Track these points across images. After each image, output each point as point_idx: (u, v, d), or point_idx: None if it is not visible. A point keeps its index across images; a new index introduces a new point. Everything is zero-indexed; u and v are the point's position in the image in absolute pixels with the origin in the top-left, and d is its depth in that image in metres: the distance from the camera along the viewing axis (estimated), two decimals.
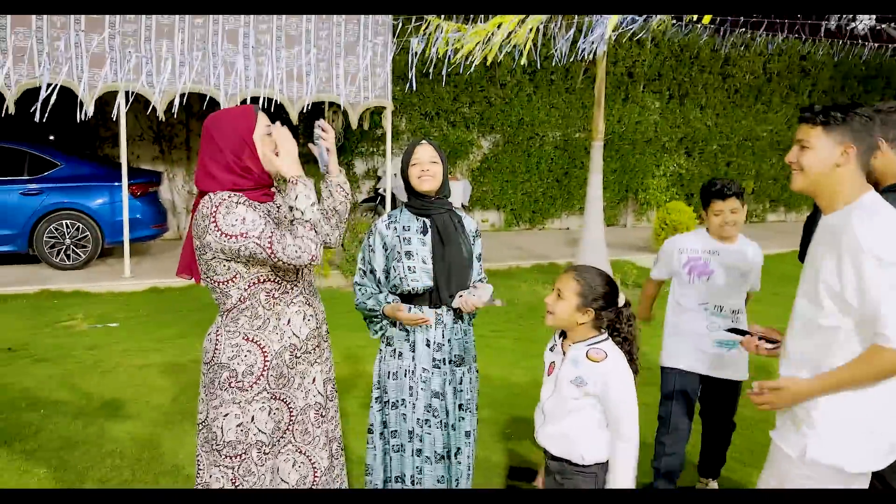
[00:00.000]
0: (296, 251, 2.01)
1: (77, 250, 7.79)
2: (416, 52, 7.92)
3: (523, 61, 7.51)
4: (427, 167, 2.66)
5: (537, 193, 12.28)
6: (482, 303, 2.60)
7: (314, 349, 2.25)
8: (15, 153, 7.70)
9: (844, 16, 8.09)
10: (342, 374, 4.42)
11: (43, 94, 6.55)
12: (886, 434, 1.91)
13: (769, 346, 2.17)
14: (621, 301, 2.22)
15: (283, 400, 2.17)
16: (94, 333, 5.82)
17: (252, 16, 7.44)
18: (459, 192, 11.06)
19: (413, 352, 2.68)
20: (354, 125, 8.11)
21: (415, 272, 2.64)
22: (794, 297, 2.06)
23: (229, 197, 2.05)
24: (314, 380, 2.25)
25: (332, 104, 9.28)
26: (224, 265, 2.06)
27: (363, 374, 4.79)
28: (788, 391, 1.94)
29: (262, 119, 2.17)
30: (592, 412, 2.14)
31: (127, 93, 7.17)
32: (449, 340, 2.69)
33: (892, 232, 1.83)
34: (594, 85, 8.09)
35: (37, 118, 6.40)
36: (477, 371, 2.83)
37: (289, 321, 2.17)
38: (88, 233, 7.77)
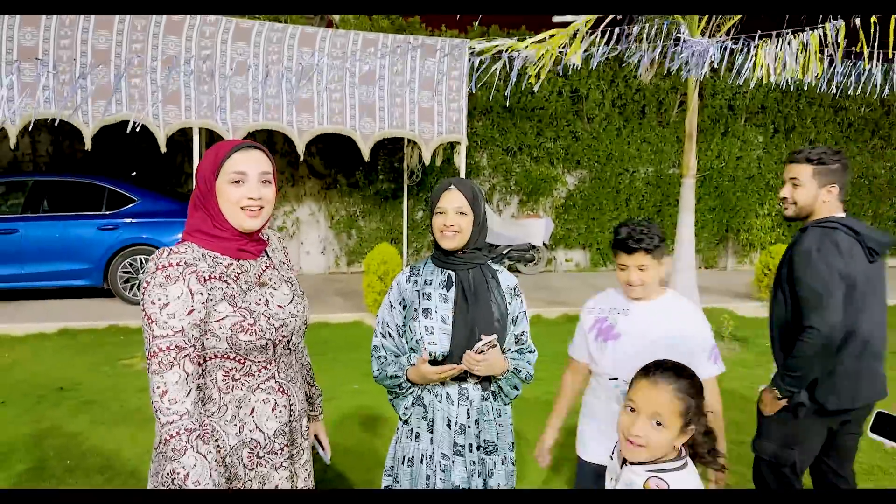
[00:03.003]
0: (154, 387, 1.63)
1: None
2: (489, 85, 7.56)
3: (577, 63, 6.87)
4: (452, 221, 2.16)
5: None
6: (480, 351, 2.09)
7: (282, 449, 1.80)
8: (93, 188, 7.83)
9: None
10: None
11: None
12: None
13: None
14: None
15: None
16: None
17: (326, 52, 7.31)
18: (541, 230, 10.54)
19: (431, 433, 2.20)
20: (427, 161, 7.80)
21: (432, 333, 2.16)
22: None
23: (179, 265, 1.66)
24: (276, 488, 1.80)
25: (409, 140, 9.05)
26: None
27: None
28: None
29: (235, 162, 1.74)
30: None
31: (203, 130, 7.19)
32: (476, 421, 2.20)
33: None
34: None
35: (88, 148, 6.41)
36: (514, 463, 2.30)
37: (252, 411, 1.75)
38: None
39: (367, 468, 3.93)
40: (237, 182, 1.73)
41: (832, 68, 7.24)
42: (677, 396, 1.56)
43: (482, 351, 2.09)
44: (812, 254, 2.60)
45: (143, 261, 7.76)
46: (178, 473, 1.60)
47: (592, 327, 2.49)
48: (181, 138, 8.66)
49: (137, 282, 7.80)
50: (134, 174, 9.38)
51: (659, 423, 1.56)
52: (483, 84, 9.63)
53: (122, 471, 3.85)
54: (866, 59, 6.86)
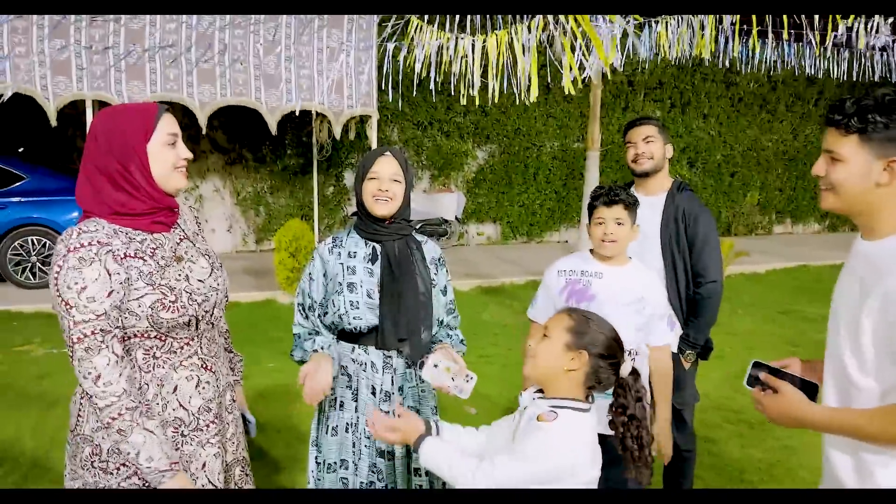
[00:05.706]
0: (85, 373, 1.58)
1: (44, 268, 7.36)
2: (398, 60, 7.50)
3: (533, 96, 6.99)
4: (386, 186, 2.16)
5: (535, 205, 11.84)
6: (453, 390, 2.01)
7: (208, 426, 1.78)
8: None
9: (859, 32, 7.59)
10: None
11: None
12: None
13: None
14: (626, 369, 1.69)
15: None
16: (49, 360, 5.38)
17: (227, 20, 7.03)
18: (453, 204, 10.64)
19: (356, 401, 2.22)
20: (338, 135, 7.69)
21: (358, 308, 2.17)
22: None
23: (92, 245, 1.59)
24: (205, 465, 1.77)
25: (318, 114, 8.88)
26: None
27: None
28: (787, 403, 1.57)
29: (166, 123, 1.71)
30: None
31: (96, 102, 6.80)
32: (400, 388, 2.23)
33: None
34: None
35: None
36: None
37: (175, 389, 1.71)
38: None
39: (286, 443, 3.90)
40: (172, 144, 1.72)
41: (724, 46, 7.60)
42: (568, 314, 1.71)
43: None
44: (710, 216, 2.92)
45: (36, 242, 7.31)
46: (128, 454, 1.58)
47: (564, 289, 2.51)
48: (72, 111, 8.17)
49: (29, 264, 7.34)
50: (21, 150, 8.78)
51: (546, 335, 1.70)
52: (393, 58, 9.58)
53: (22, 462, 3.66)
54: (755, 38, 7.25)
